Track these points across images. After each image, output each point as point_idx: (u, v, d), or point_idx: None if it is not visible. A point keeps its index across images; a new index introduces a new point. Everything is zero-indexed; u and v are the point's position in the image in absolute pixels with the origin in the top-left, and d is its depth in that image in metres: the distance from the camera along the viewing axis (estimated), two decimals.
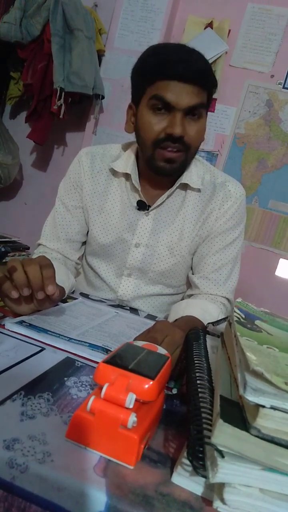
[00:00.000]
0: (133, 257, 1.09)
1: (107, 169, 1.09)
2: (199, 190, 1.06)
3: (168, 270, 1.09)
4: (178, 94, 0.88)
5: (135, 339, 0.67)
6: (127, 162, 1.06)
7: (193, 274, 1.10)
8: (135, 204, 1.06)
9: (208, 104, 0.97)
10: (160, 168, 0.96)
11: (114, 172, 1.08)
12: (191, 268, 1.12)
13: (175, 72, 0.87)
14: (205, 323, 0.86)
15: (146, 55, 0.94)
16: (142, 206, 1.06)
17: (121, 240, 1.08)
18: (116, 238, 1.08)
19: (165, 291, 1.12)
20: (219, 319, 0.95)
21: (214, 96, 2.24)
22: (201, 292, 1.06)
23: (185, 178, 1.03)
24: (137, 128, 0.98)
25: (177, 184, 1.04)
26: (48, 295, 0.71)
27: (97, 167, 1.09)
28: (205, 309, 0.96)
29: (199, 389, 0.47)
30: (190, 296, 1.09)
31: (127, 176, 1.07)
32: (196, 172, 1.06)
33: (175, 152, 0.93)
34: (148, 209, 1.06)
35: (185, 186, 1.05)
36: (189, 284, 1.13)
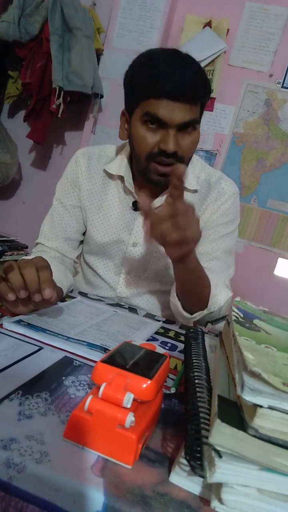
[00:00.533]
0: (131, 256, 1.09)
1: (103, 170, 1.10)
2: (195, 191, 1.06)
3: (166, 268, 1.09)
4: (170, 112, 0.87)
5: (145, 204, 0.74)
6: (120, 165, 1.07)
7: None
8: (131, 205, 1.07)
9: (202, 112, 0.97)
10: (155, 181, 0.97)
11: (109, 175, 1.09)
12: None
13: (166, 91, 0.86)
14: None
15: (137, 68, 0.93)
16: (137, 207, 1.07)
17: (118, 241, 1.09)
18: (113, 238, 1.09)
19: (163, 288, 1.13)
20: (219, 285, 0.98)
21: (213, 95, 2.24)
22: None
23: None
24: (131, 138, 0.98)
25: None
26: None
27: (93, 167, 1.10)
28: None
29: (197, 389, 0.47)
30: None
31: (121, 178, 1.07)
32: (192, 172, 1.07)
33: (168, 166, 0.93)
34: None
35: None
36: None
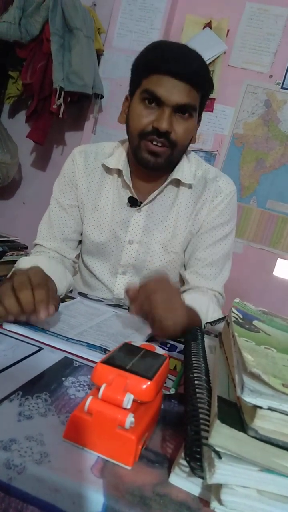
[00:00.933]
0: (127, 254, 1.09)
1: (100, 167, 1.09)
2: (190, 186, 1.06)
3: (163, 268, 1.09)
4: (169, 90, 0.89)
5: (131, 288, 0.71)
6: (119, 159, 1.07)
7: (185, 270, 1.10)
8: (127, 201, 1.07)
9: (201, 106, 0.97)
10: (145, 159, 0.97)
11: (107, 170, 1.09)
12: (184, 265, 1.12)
13: (168, 68, 0.88)
14: (196, 309, 0.89)
15: (146, 49, 0.95)
16: (133, 202, 1.06)
17: (114, 237, 1.09)
18: (109, 235, 1.09)
19: None
20: (210, 311, 0.96)
21: (213, 96, 2.25)
22: (191, 287, 1.06)
23: (176, 174, 1.04)
24: (128, 119, 0.99)
25: (168, 180, 1.04)
26: None
27: (90, 165, 1.10)
28: (195, 298, 0.96)
29: (197, 390, 0.47)
30: (183, 292, 1.09)
31: (119, 173, 1.07)
32: (189, 168, 1.07)
33: (159, 146, 0.94)
34: (139, 206, 1.06)
35: (177, 183, 1.06)
36: (183, 281, 1.13)
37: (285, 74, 2.14)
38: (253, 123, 2.21)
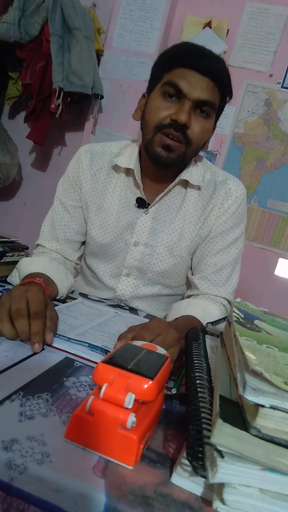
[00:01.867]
0: (132, 256, 1.08)
1: (106, 167, 1.08)
2: (199, 188, 1.05)
3: (168, 271, 1.08)
4: (192, 84, 0.89)
5: (122, 335, 0.67)
6: (130, 158, 1.05)
7: (192, 274, 1.10)
8: (135, 202, 1.05)
9: (219, 112, 0.98)
10: (157, 154, 0.95)
11: (115, 169, 1.07)
12: (191, 268, 1.11)
13: (194, 62, 0.89)
14: (204, 325, 0.86)
15: (170, 46, 0.96)
16: (141, 203, 1.04)
17: (119, 239, 1.07)
18: (114, 236, 1.07)
19: (163, 292, 1.12)
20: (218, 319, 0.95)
21: None
22: (200, 293, 1.05)
23: (184, 175, 1.02)
24: (144, 113, 0.98)
25: (176, 180, 1.03)
26: None
27: (96, 165, 1.08)
28: (206, 309, 0.95)
29: (198, 389, 0.47)
30: (189, 296, 1.09)
31: (128, 172, 1.06)
32: (197, 170, 1.05)
33: (175, 141, 0.93)
34: (147, 207, 1.05)
35: (185, 184, 1.05)
36: (188, 284, 1.12)
37: (285, 73, 2.14)
38: (254, 123, 2.21)
